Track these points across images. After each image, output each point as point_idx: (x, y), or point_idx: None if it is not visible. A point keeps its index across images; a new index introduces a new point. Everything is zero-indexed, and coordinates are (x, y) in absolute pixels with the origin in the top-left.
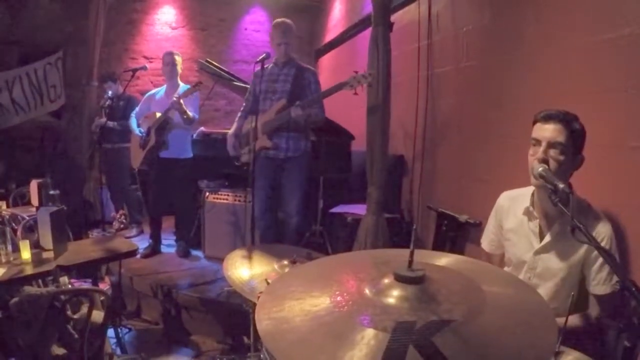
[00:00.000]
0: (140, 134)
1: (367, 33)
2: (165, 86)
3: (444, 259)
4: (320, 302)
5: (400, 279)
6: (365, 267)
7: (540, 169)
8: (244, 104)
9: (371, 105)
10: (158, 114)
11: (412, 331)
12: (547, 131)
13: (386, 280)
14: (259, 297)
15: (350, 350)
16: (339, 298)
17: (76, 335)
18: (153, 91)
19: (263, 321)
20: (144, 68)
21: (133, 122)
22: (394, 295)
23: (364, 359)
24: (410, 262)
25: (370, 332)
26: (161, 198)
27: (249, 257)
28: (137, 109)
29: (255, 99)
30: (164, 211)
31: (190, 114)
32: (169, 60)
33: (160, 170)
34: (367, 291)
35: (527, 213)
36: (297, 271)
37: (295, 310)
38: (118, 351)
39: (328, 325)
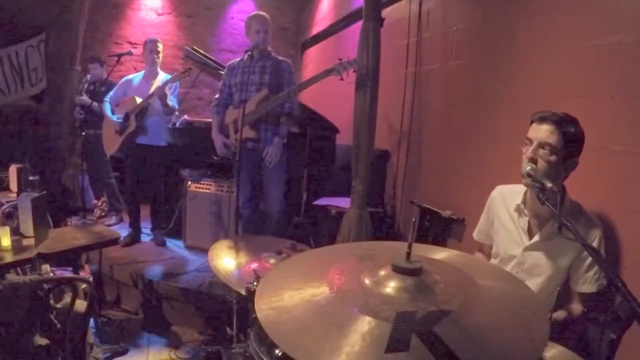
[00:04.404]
0: (117, 120)
1: (356, 27)
2: (143, 72)
3: (439, 253)
4: (320, 292)
5: (398, 270)
6: (361, 259)
7: (528, 167)
8: (216, 96)
9: (359, 99)
10: (138, 99)
11: (414, 321)
12: (539, 132)
13: (384, 272)
14: (246, 287)
15: (354, 340)
16: (338, 288)
17: (59, 325)
18: (130, 76)
19: (263, 311)
20: (129, 53)
21: (107, 107)
22: (392, 286)
23: (368, 348)
24: (408, 254)
25: (372, 322)
26: (138, 185)
27: (234, 248)
28: (111, 93)
29: (229, 91)
30: (141, 199)
31: (170, 103)
32: (153, 48)
33: (137, 157)
34: (366, 282)
35: (518, 210)
36: (293, 261)
37: (295, 300)
38: (97, 341)
39: (330, 315)
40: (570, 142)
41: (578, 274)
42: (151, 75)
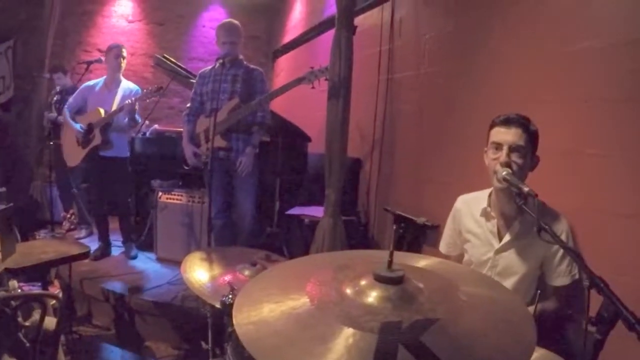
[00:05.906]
0: (80, 130)
1: (328, 35)
2: (104, 78)
3: (420, 261)
4: (300, 305)
5: (380, 279)
6: (340, 269)
7: (504, 172)
8: (188, 105)
9: (331, 107)
10: (102, 111)
11: (399, 331)
12: (509, 135)
13: (365, 281)
14: (222, 301)
15: (339, 353)
16: (319, 300)
17: (28, 344)
18: (91, 83)
19: (243, 326)
20: (99, 61)
21: (67, 114)
22: (374, 296)
23: None
24: (390, 263)
25: (357, 334)
26: (104, 198)
27: (207, 260)
28: (70, 99)
29: (200, 100)
30: (108, 211)
31: (137, 118)
32: (118, 53)
33: (102, 170)
34: (348, 292)
35: (485, 214)
36: (269, 273)
37: (275, 313)
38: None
39: (312, 328)
40: (534, 140)
41: (551, 268)
42: (113, 84)
